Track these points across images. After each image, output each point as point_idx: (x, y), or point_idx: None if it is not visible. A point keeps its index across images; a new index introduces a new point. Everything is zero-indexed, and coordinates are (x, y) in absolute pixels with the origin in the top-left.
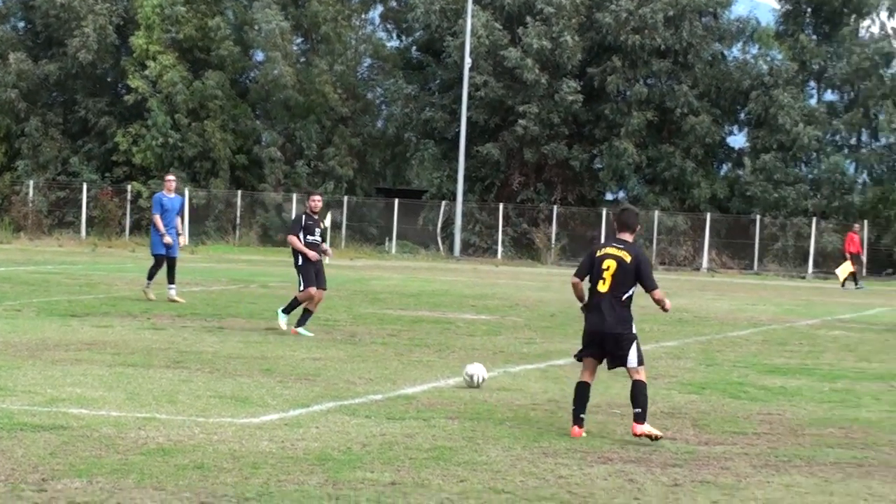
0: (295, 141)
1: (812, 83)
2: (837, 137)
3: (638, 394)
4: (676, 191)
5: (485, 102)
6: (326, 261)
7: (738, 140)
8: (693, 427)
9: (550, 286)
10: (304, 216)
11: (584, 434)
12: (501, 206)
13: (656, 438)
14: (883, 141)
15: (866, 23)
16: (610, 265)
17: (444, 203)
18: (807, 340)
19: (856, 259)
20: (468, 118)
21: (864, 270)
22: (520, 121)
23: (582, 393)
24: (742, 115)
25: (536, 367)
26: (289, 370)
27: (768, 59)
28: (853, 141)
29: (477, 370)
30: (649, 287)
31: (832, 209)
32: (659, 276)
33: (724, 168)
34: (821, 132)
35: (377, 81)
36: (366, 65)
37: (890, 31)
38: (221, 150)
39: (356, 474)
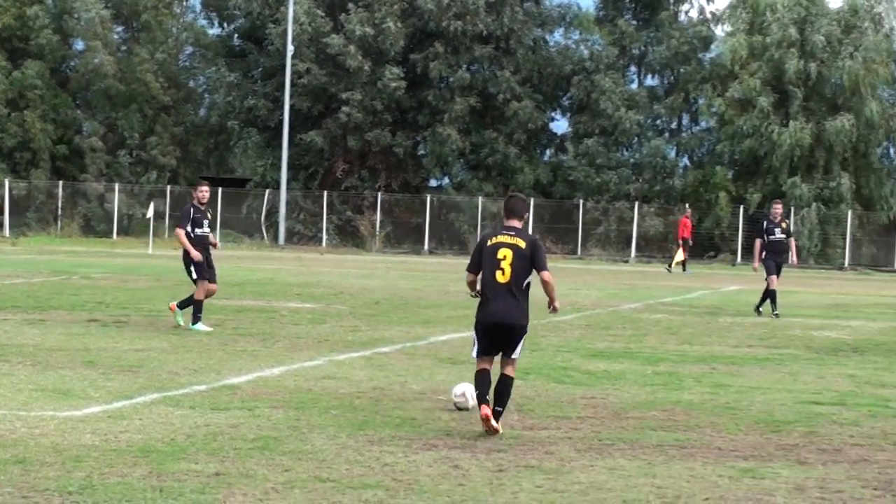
0: (117, 130)
1: (633, 68)
2: (658, 122)
3: (504, 392)
4: (500, 176)
5: (308, 90)
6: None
7: (560, 125)
8: (517, 412)
9: (375, 273)
10: (191, 209)
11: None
12: (326, 193)
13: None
14: (703, 125)
15: (685, 7)
16: (506, 254)
17: (268, 191)
18: (630, 324)
19: (686, 244)
20: (291, 106)
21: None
22: (343, 108)
23: (484, 379)
24: (564, 101)
25: (361, 354)
26: (112, 362)
27: (589, 44)
28: (674, 125)
29: (470, 389)
30: (540, 268)
31: (654, 193)
32: None
33: (548, 153)
34: (642, 117)
35: (199, 70)
36: (187, 53)
37: (708, 16)
38: (41, 141)
39: (180, 466)
